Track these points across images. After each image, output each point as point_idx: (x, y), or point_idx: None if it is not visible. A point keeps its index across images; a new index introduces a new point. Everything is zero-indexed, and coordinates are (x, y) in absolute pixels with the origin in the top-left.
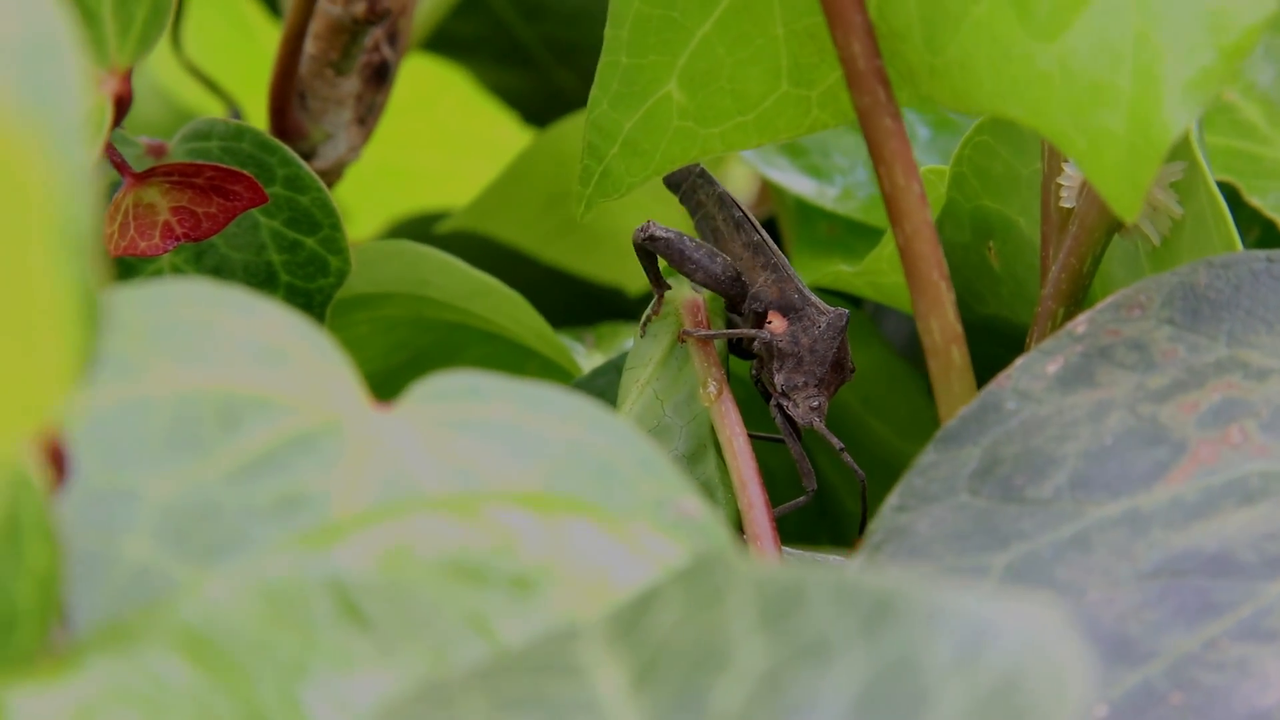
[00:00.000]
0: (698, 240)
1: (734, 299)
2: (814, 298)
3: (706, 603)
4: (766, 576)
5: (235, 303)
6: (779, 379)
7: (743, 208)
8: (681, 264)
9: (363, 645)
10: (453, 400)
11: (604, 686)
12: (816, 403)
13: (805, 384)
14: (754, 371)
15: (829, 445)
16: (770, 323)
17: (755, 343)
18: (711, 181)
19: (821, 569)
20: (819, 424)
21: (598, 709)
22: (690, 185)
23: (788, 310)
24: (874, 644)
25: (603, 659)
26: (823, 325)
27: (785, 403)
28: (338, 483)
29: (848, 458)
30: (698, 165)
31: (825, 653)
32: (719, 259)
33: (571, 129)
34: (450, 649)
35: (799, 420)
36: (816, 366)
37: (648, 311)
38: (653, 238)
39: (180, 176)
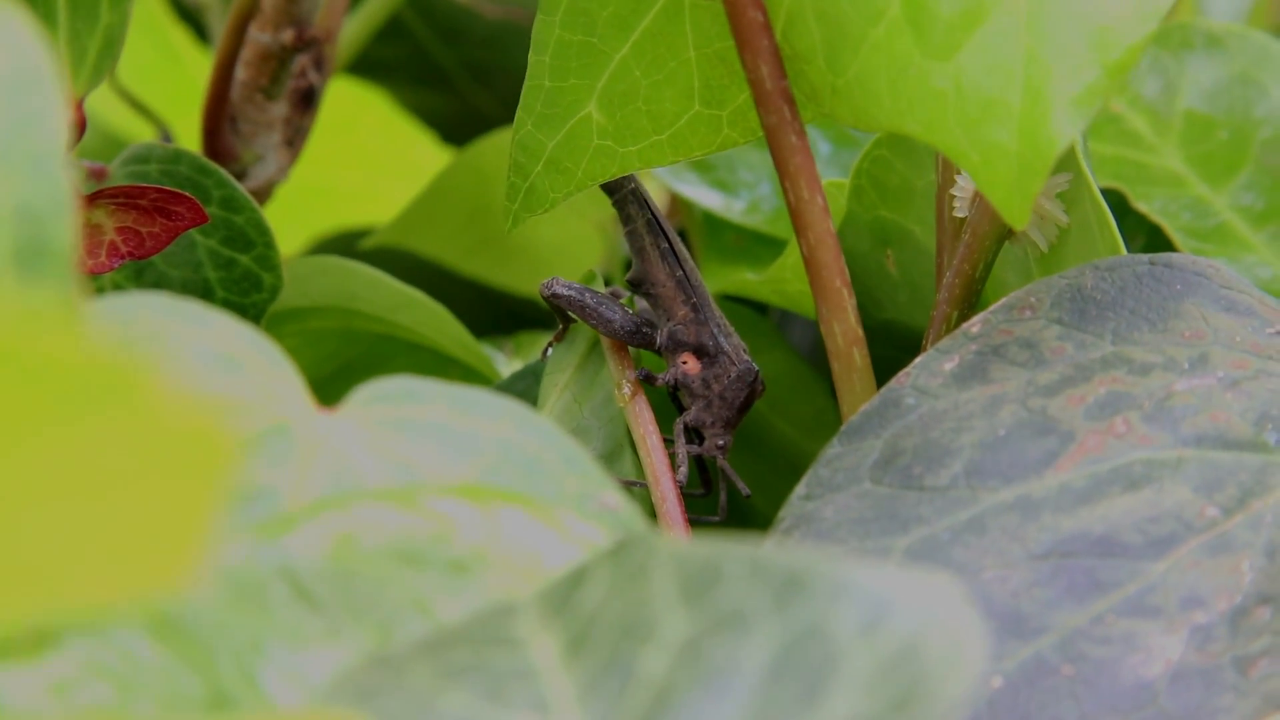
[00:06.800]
0: (599, 294)
1: (639, 346)
2: (728, 345)
3: (632, 579)
4: (686, 554)
5: (190, 314)
6: (689, 414)
7: (672, 239)
8: (585, 318)
9: (314, 625)
10: (392, 403)
11: (539, 656)
12: (722, 441)
13: (713, 423)
14: (670, 390)
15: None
16: (685, 363)
17: (668, 380)
18: (644, 205)
19: (737, 547)
20: (722, 460)
21: (533, 676)
22: (623, 197)
23: (702, 354)
24: (786, 615)
25: (537, 631)
26: (732, 376)
27: (691, 432)
28: (288, 478)
29: (739, 493)
30: (632, 180)
31: (741, 623)
32: (618, 311)
33: (490, 147)
34: (394, 627)
35: (705, 454)
36: (724, 410)
37: (551, 339)
38: (556, 295)
39: (125, 198)
